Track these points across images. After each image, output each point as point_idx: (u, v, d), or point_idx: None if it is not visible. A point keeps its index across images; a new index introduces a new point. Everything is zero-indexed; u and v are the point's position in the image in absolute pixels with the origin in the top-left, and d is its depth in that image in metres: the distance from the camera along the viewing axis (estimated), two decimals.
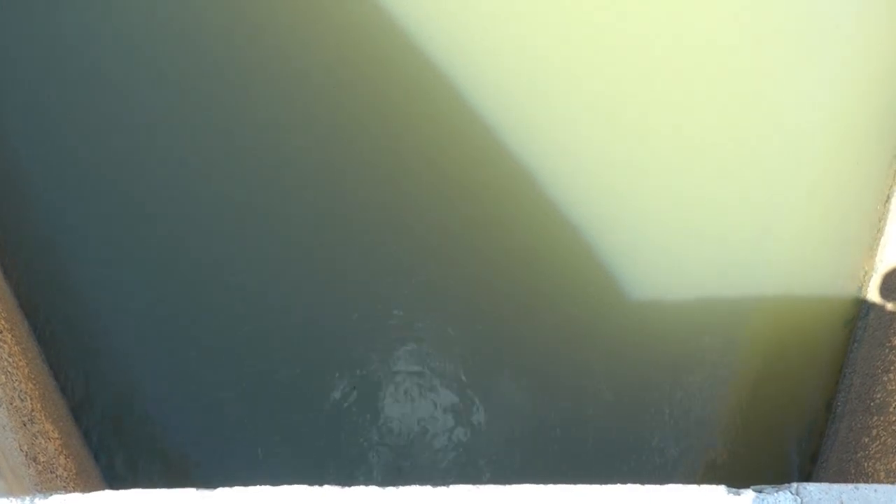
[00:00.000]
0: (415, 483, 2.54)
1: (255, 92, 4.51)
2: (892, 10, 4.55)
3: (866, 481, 3.82)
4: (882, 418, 3.87)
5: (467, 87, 4.50)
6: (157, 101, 4.47)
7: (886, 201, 4.37)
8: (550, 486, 2.49)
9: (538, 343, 4.33)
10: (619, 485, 2.49)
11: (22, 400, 3.76)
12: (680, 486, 2.46)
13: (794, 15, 4.58)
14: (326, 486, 2.51)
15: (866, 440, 3.93)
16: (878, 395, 3.95)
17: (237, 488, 2.54)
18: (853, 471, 3.95)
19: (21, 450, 3.60)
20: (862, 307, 4.31)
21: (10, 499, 2.49)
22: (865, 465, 3.89)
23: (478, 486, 2.49)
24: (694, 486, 2.45)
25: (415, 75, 4.50)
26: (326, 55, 4.57)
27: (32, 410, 3.80)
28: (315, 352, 4.33)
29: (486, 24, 4.56)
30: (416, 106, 4.51)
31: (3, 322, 3.91)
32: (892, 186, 4.39)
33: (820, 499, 2.42)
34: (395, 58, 4.51)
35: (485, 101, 4.48)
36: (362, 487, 2.50)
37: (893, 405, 3.83)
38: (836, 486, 2.44)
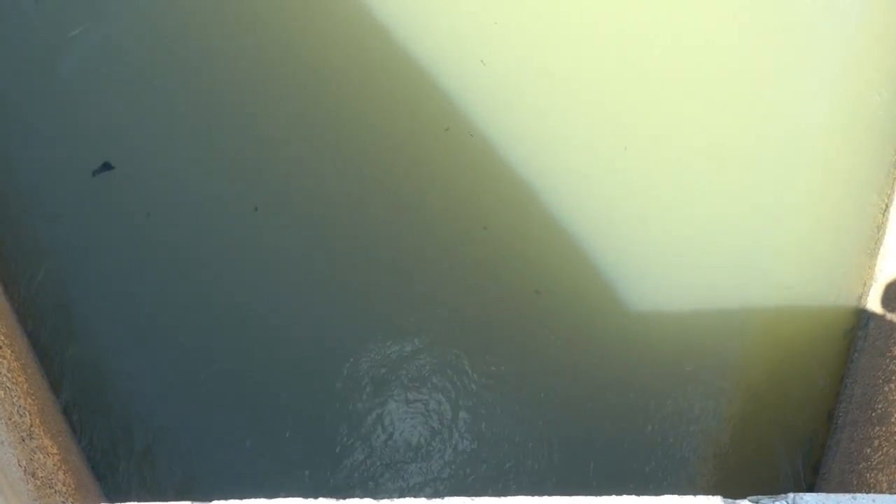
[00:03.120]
0: (409, 495, 2.53)
1: (252, 96, 4.54)
2: (890, 21, 4.56)
3: (868, 492, 3.79)
4: (884, 429, 3.85)
5: (464, 95, 4.53)
6: (154, 110, 4.50)
7: (885, 211, 4.36)
8: (546, 498, 2.48)
9: (535, 353, 4.33)
10: (614, 496, 2.48)
11: (21, 415, 3.76)
12: (676, 496, 2.45)
13: (792, 25, 4.60)
14: (321, 499, 2.50)
15: (868, 451, 3.90)
16: (880, 406, 3.93)
17: (233, 501, 2.53)
18: (855, 482, 3.93)
19: (20, 465, 3.59)
20: (862, 317, 4.30)
21: None
22: (868, 476, 3.86)
23: (473, 497, 2.48)
24: (690, 497, 2.44)
25: (409, 83, 4.53)
26: (325, 61, 4.61)
27: (31, 426, 3.80)
28: (315, 364, 4.33)
29: (483, 29, 4.60)
30: (412, 112, 4.53)
31: (2, 338, 3.92)
32: (890, 196, 4.39)
33: None
34: (390, 66, 4.54)
35: (481, 108, 4.51)
36: (357, 500, 2.49)
37: (895, 415, 3.81)
38: (832, 497, 2.42)
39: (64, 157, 4.45)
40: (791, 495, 2.44)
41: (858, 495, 2.39)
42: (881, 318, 4.17)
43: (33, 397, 3.92)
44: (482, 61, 4.42)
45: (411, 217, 4.46)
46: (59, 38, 4.56)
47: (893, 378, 3.90)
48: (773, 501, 2.43)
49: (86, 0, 4.61)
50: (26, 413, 3.81)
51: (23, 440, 3.71)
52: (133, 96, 4.52)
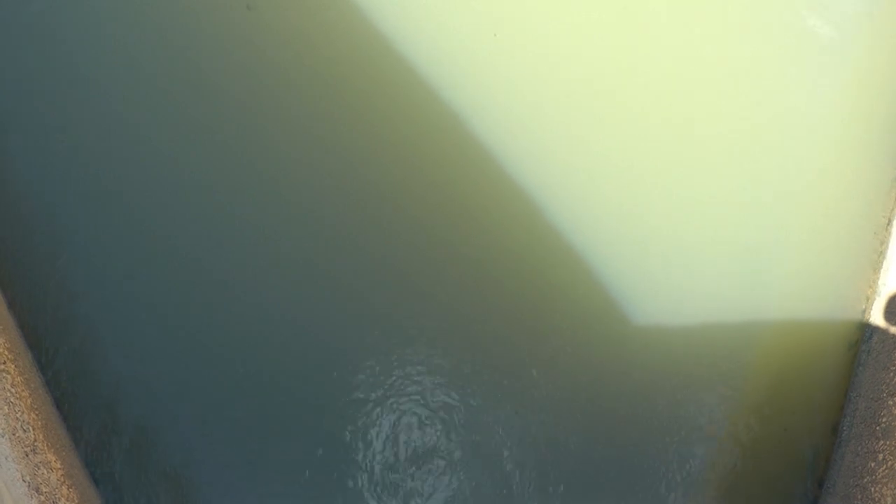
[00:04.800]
0: None
1: (253, 98, 4.56)
2: (891, 32, 4.58)
3: None
4: (888, 442, 3.85)
5: (467, 103, 4.55)
6: (152, 110, 4.52)
7: (888, 225, 4.37)
8: None
9: (539, 365, 4.32)
10: None
11: (24, 430, 3.76)
12: None
13: (794, 38, 4.62)
14: None
15: (873, 465, 3.90)
16: (884, 420, 3.93)
17: None
18: (860, 496, 3.92)
19: (24, 480, 3.59)
20: (865, 331, 4.30)
21: None
22: (872, 490, 3.86)
23: None
24: None
25: (409, 87, 4.55)
26: (323, 66, 4.62)
27: (35, 441, 3.80)
28: (316, 371, 4.32)
29: (484, 34, 4.61)
30: (413, 120, 4.55)
31: (6, 353, 3.93)
32: (893, 210, 4.40)
33: None
34: (389, 68, 4.56)
35: (483, 115, 4.52)
36: None
37: None
38: None
39: (68, 174, 4.46)
40: None
41: None
42: (884, 331, 4.17)
43: (37, 412, 3.92)
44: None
45: (413, 223, 4.47)
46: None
47: None
48: None
49: None
50: (30, 428, 3.81)
51: (27, 455, 3.71)
52: (133, 97, 4.54)
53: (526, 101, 4.58)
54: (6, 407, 3.72)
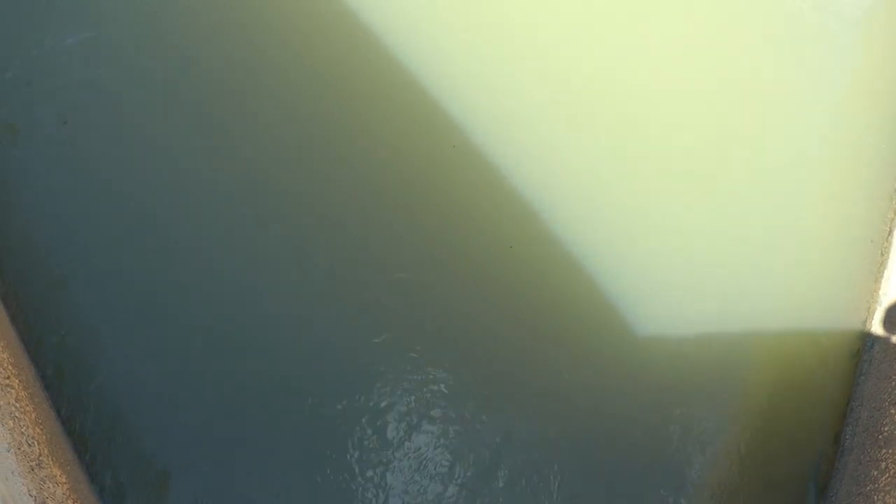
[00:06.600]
0: None
1: (253, 99, 4.57)
2: (891, 41, 4.62)
3: None
4: (891, 451, 3.87)
5: (468, 103, 4.57)
6: (153, 117, 4.52)
7: (889, 234, 4.40)
8: None
9: (540, 367, 4.33)
10: None
11: (30, 445, 3.75)
12: None
13: (797, 46, 4.65)
14: None
15: (875, 473, 3.92)
16: (887, 428, 3.95)
17: None
18: None
19: (30, 495, 3.58)
20: (867, 340, 4.32)
21: None
22: (875, 498, 3.87)
23: None
24: None
25: (409, 88, 4.57)
26: (323, 66, 4.64)
27: (40, 455, 3.79)
28: (321, 383, 4.32)
29: (485, 34, 4.63)
30: (414, 120, 4.57)
31: (10, 367, 3.92)
32: (894, 219, 4.43)
33: None
34: (390, 72, 4.58)
35: (485, 116, 4.55)
36: None
37: None
38: None
39: (74, 197, 4.45)
40: None
41: None
42: (885, 341, 4.20)
43: (41, 426, 3.91)
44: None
45: (414, 224, 4.48)
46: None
47: None
48: None
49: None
50: (35, 442, 3.80)
51: (32, 469, 3.70)
52: (133, 98, 4.54)
53: (528, 102, 4.60)
54: (11, 422, 3.71)
